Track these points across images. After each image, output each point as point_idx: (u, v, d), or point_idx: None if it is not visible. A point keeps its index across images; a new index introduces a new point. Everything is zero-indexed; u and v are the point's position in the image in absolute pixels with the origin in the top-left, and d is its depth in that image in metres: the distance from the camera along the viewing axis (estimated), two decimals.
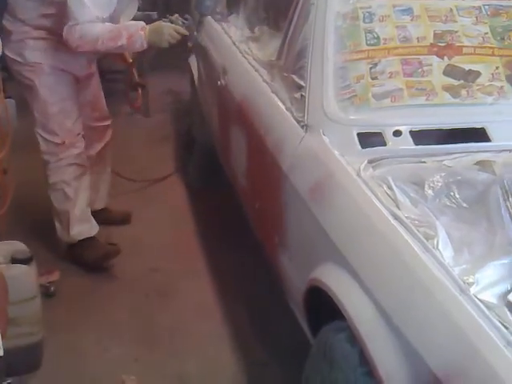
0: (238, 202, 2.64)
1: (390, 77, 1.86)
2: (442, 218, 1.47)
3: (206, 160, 3.40)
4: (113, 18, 2.53)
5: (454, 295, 1.22)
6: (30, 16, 2.48)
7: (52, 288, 2.61)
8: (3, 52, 2.44)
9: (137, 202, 3.30)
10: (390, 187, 1.56)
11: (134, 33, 2.43)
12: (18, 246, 2.18)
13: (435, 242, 1.36)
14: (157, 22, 2.53)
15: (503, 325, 1.16)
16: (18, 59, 2.52)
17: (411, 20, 1.95)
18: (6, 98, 3.48)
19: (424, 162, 1.69)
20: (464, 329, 1.16)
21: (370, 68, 1.87)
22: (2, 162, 2.58)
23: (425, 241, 1.36)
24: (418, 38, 1.92)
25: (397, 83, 1.85)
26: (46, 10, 2.47)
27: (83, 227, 2.77)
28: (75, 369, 2.24)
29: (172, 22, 2.52)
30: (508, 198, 1.53)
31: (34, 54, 2.51)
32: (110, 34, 2.41)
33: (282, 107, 2.07)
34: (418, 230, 1.40)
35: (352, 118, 1.82)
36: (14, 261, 2.12)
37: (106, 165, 3.02)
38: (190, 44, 2.70)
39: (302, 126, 1.90)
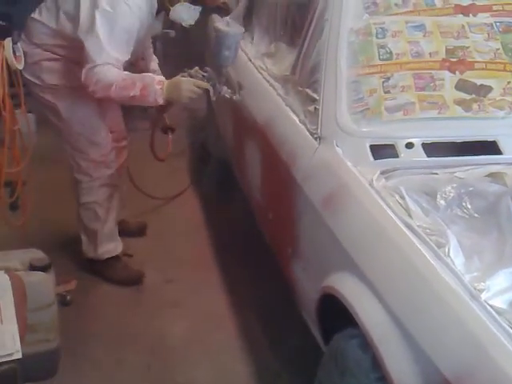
0: (252, 214, 2.68)
1: (402, 91, 1.90)
2: (454, 227, 1.50)
3: (221, 173, 3.44)
4: (139, 43, 2.50)
5: (466, 301, 1.24)
6: (44, 43, 2.47)
7: (68, 297, 2.63)
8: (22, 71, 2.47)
9: (152, 214, 3.35)
10: (402, 197, 1.59)
11: (149, 85, 2.30)
12: (37, 254, 2.23)
13: (446, 250, 1.39)
14: (176, 77, 2.37)
15: None
16: (37, 82, 2.51)
17: (423, 36, 1.99)
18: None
19: (436, 174, 1.72)
20: (475, 333, 1.18)
21: (383, 82, 1.92)
22: (22, 174, 2.62)
23: (436, 249, 1.39)
24: (430, 53, 1.96)
25: (409, 97, 1.89)
26: (59, 41, 2.46)
27: (110, 246, 2.79)
28: (90, 376, 2.27)
29: (191, 76, 2.36)
30: None
31: (50, 77, 2.49)
32: (123, 82, 2.30)
33: (296, 120, 2.12)
34: (429, 239, 1.43)
35: (365, 130, 1.86)
36: (33, 268, 2.16)
37: (121, 183, 2.99)
38: (213, 98, 2.41)
39: (316, 138, 1.95)
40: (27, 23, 2.51)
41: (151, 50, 2.86)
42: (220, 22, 2.41)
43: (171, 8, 2.47)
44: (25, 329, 1.78)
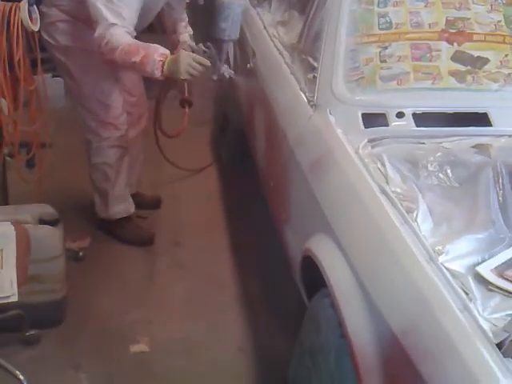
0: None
1: (398, 60, 1.91)
2: (429, 194, 1.52)
3: (238, 142, 3.49)
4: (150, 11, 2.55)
5: (421, 262, 1.28)
6: (64, 3, 2.54)
7: (81, 253, 2.76)
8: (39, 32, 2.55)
9: (168, 181, 3.43)
10: (383, 164, 1.62)
11: (150, 55, 2.27)
12: (47, 209, 2.35)
13: (414, 215, 1.42)
14: (177, 52, 2.37)
15: (464, 291, 1.21)
16: (52, 41, 2.60)
17: (425, 6, 1.99)
18: (54, 76, 3.70)
19: (423, 144, 1.74)
20: (424, 292, 1.22)
21: (380, 51, 1.93)
22: (39, 135, 2.70)
23: (405, 213, 1.42)
24: (429, 24, 1.96)
25: (404, 67, 1.90)
26: (75, 2, 2.49)
27: (121, 207, 2.89)
28: (94, 327, 2.38)
29: (193, 51, 2.35)
30: (498, 179, 1.57)
31: (64, 37, 2.58)
32: (129, 47, 2.30)
33: (297, 88, 2.15)
34: (401, 204, 1.46)
35: (358, 98, 1.88)
36: (42, 222, 2.28)
37: (138, 151, 3.06)
38: (214, 78, 2.35)
39: (312, 106, 1.98)
40: None
41: (184, 24, 2.85)
42: None
43: None
44: (25, 276, 1.89)
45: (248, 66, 2.84)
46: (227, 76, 2.39)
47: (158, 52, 2.29)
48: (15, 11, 2.32)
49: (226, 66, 2.37)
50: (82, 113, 2.72)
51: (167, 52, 2.32)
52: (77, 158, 3.30)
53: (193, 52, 2.32)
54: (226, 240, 2.99)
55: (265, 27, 2.88)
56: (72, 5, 2.53)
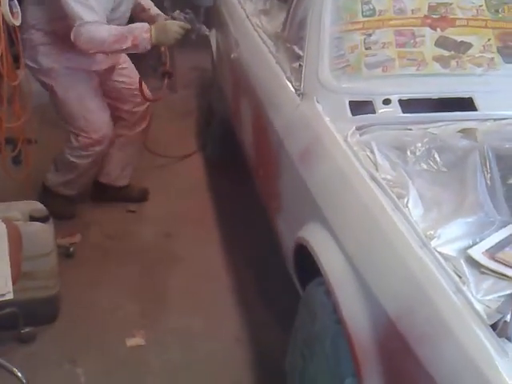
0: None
1: (382, 47, 1.92)
2: (418, 180, 1.54)
3: (223, 132, 3.49)
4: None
5: (413, 247, 1.30)
6: (41, 21, 2.60)
7: (71, 249, 2.76)
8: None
9: (156, 172, 3.43)
10: (372, 151, 1.64)
11: (139, 36, 2.49)
12: (36, 206, 2.34)
13: (405, 201, 1.44)
14: (159, 22, 2.62)
15: (457, 274, 1.24)
16: (34, 65, 2.66)
17: None
18: None
19: (410, 130, 1.76)
20: (417, 276, 1.25)
21: (364, 39, 1.94)
22: (24, 130, 2.69)
23: (396, 199, 1.44)
24: (412, 10, 1.97)
25: (389, 53, 1.91)
26: (54, 13, 2.54)
27: (66, 191, 2.96)
28: (89, 322, 2.39)
29: (174, 19, 2.60)
30: (485, 163, 1.60)
31: (46, 60, 2.65)
32: (114, 37, 2.47)
33: (283, 77, 2.16)
34: (391, 190, 1.48)
35: (344, 86, 1.90)
36: (32, 219, 2.28)
37: (138, 147, 3.13)
38: (193, 37, 2.65)
39: (299, 94, 1.99)
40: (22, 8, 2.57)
41: (143, 0, 2.92)
42: None
43: None
44: (18, 274, 1.89)
45: (232, 56, 2.84)
46: (207, 34, 2.79)
47: (143, 30, 2.52)
48: None
49: (203, 26, 2.69)
50: (70, 129, 2.79)
51: (148, 25, 2.55)
52: None
53: (173, 19, 2.61)
54: (217, 230, 3.00)
55: (247, 16, 2.87)
56: (45, 20, 2.59)
